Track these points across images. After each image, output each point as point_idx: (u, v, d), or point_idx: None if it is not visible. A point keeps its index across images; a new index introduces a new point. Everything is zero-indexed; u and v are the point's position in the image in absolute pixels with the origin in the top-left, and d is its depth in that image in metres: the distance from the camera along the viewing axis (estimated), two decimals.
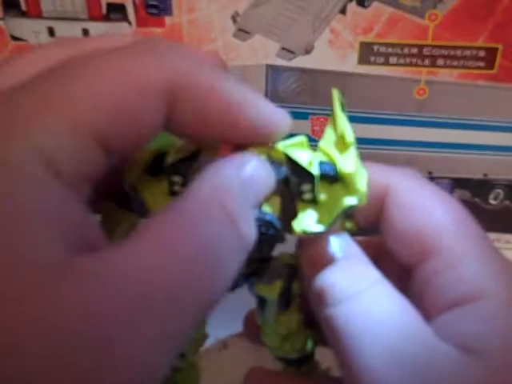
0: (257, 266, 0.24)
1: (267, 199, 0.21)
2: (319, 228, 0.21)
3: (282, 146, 0.21)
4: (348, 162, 0.21)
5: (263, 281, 0.24)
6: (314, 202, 0.21)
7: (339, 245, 0.22)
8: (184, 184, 0.21)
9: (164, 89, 0.18)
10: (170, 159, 0.21)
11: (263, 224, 0.21)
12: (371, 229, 0.25)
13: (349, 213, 0.22)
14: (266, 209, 0.21)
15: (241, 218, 0.17)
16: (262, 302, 0.25)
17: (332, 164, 0.21)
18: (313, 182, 0.21)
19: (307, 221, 0.21)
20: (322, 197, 0.21)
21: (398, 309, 0.20)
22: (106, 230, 0.21)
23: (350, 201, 0.20)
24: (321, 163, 0.21)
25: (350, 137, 0.21)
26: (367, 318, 0.20)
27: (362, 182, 0.21)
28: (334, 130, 0.22)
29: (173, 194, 0.22)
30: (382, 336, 0.19)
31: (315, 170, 0.21)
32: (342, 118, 0.22)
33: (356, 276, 0.21)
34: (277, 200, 0.21)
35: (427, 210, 0.23)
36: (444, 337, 0.20)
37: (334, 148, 0.22)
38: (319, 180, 0.21)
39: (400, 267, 0.24)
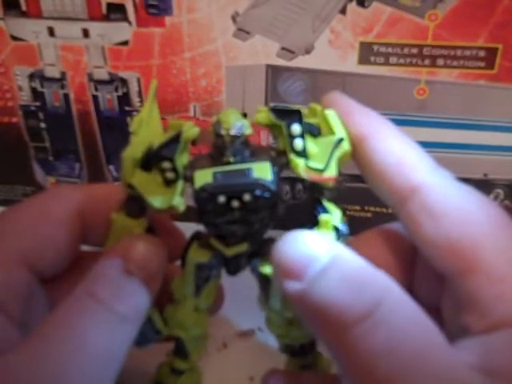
0: (259, 245, 0.24)
1: (259, 168, 0.22)
2: (319, 165, 0.22)
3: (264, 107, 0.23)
4: (323, 113, 0.23)
5: (267, 260, 0.24)
6: (305, 156, 0.22)
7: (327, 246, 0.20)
8: (174, 168, 0.22)
9: (73, 215, 0.24)
10: (154, 147, 0.22)
11: (258, 188, 0.21)
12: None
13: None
14: (259, 175, 0.21)
15: (115, 300, 0.21)
16: (265, 284, 0.25)
17: (311, 123, 0.23)
18: (301, 121, 0.22)
19: (307, 161, 0.22)
20: (311, 147, 0.23)
21: (412, 323, 0.18)
22: (116, 240, 0.22)
23: (336, 137, 0.22)
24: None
25: (317, 106, 0.24)
26: (389, 342, 0.18)
27: (342, 129, 0.23)
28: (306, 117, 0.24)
29: (167, 182, 0.22)
30: (404, 363, 0.17)
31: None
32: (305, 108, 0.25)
33: (361, 288, 0.18)
34: (267, 167, 0.22)
35: (463, 218, 0.21)
36: (477, 359, 0.18)
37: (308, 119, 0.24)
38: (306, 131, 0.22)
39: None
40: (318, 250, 0.19)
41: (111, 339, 0.21)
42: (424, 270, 0.24)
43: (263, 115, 0.23)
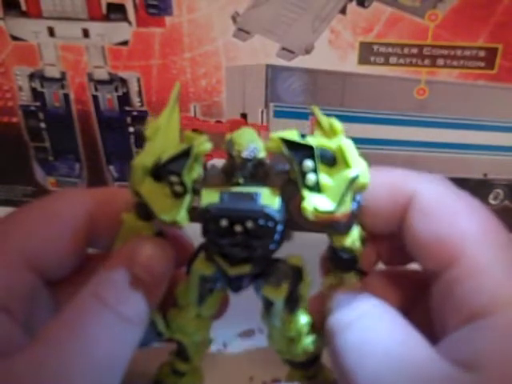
0: (263, 267, 0.24)
1: (268, 194, 0.21)
2: (330, 206, 0.21)
3: (276, 135, 0.21)
4: (340, 141, 0.22)
5: (270, 283, 0.24)
6: (318, 190, 0.21)
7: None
8: (181, 182, 0.21)
9: (80, 219, 0.24)
10: (163, 160, 0.21)
11: (261, 217, 0.21)
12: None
13: (357, 212, 0.22)
14: (265, 202, 0.21)
15: (120, 303, 0.21)
16: (268, 304, 0.25)
17: (326, 149, 0.22)
18: (313, 157, 0.21)
19: (317, 201, 0.21)
20: (325, 180, 0.21)
21: (394, 334, 0.20)
22: (125, 241, 0.22)
23: (352, 173, 0.21)
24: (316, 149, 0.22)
25: (338, 125, 0.22)
26: (361, 347, 0.20)
27: (360, 160, 0.21)
28: (320, 128, 0.23)
29: (176, 194, 0.22)
30: (375, 364, 0.19)
31: (312, 143, 0.21)
32: (325, 117, 0.23)
33: (350, 306, 0.22)
34: (276, 193, 0.21)
35: (452, 217, 0.22)
36: (455, 354, 0.19)
37: (324, 138, 0.22)
38: (319, 160, 0.21)
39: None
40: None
41: (115, 342, 0.21)
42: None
43: (274, 144, 0.21)
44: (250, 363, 0.33)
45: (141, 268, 0.22)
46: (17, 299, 0.22)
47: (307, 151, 0.21)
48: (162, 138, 0.22)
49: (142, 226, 0.23)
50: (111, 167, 0.43)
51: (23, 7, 0.37)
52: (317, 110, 0.23)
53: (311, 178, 0.21)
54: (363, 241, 0.24)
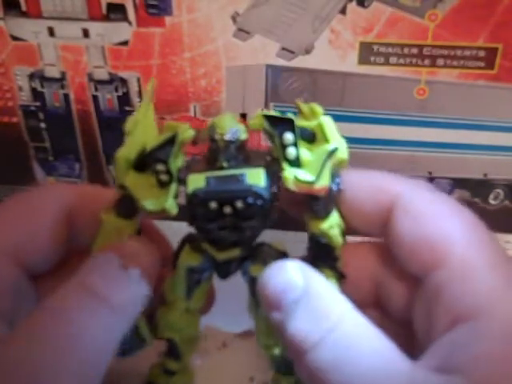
0: (250, 251, 0.24)
1: (253, 174, 0.22)
2: (310, 177, 0.21)
3: (258, 112, 0.22)
4: (320, 119, 0.22)
5: (258, 262, 0.24)
6: (298, 165, 0.22)
7: (300, 275, 0.21)
8: (168, 171, 0.22)
9: (61, 212, 0.24)
10: (148, 149, 0.22)
11: (250, 195, 0.21)
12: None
13: (337, 193, 0.23)
14: (251, 181, 0.21)
15: (111, 292, 0.21)
16: (255, 288, 0.25)
17: (305, 127, 0.23)
18: (293, 129, 0.22)
19: (297, 172, 0.22)
20: (305, 154, 0.22)
21: (376, 350, 0.19)
22: (107, 241, 0.22)
23: (330, 146, 0.21)
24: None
25: (318, 108, 0.23)
26: (338, 360, 0.19)
27: (339, 137, 0.22)
28: (302, 115, 0.24)
29: (161, 184, 0.22)
30: (354, 376, 0.19)
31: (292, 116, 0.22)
32: (305, 104, 0.24)
33: (319, 316, 0.20)
34: (260, 173, 0.22)
35: (438, 220, 0.22)
36: (443, 359, 0.19)
37: (304, 120, 0.23)
38: (299, 137, 0.22)
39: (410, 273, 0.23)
40: (292, 282, 0.21)
41: (103, 330, 0.20)
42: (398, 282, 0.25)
43: (257, 121, 0.22)
44: (250, 363, 0.33)
45: (129, 259, 0.22)
46: (3, 295, 0.22)
47: (288, 125, 0.22)
48: (141, 131, 0.22)
49: (122, 224, 0.23)
50: (111, 167, 0.43)
51: (23, 7, 0.37)
52: (298, 102, 0.24)
53: (292, 151, 0.22)
54: (343, 234, 0.24)
